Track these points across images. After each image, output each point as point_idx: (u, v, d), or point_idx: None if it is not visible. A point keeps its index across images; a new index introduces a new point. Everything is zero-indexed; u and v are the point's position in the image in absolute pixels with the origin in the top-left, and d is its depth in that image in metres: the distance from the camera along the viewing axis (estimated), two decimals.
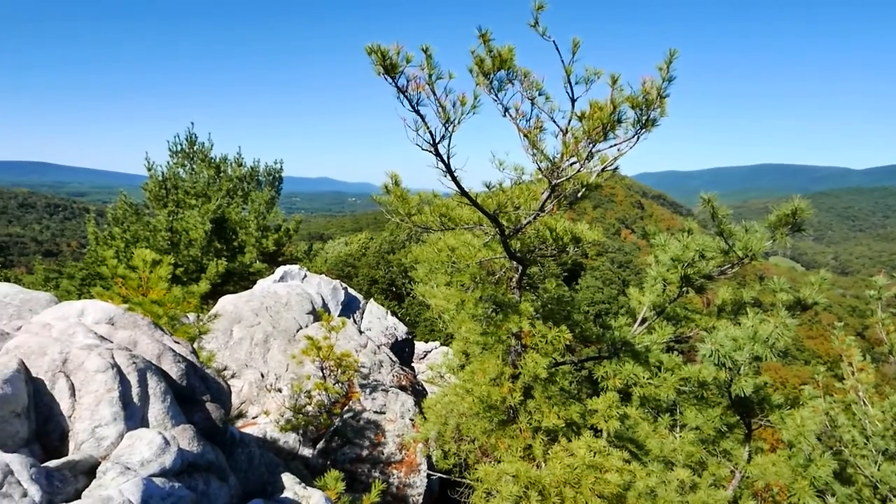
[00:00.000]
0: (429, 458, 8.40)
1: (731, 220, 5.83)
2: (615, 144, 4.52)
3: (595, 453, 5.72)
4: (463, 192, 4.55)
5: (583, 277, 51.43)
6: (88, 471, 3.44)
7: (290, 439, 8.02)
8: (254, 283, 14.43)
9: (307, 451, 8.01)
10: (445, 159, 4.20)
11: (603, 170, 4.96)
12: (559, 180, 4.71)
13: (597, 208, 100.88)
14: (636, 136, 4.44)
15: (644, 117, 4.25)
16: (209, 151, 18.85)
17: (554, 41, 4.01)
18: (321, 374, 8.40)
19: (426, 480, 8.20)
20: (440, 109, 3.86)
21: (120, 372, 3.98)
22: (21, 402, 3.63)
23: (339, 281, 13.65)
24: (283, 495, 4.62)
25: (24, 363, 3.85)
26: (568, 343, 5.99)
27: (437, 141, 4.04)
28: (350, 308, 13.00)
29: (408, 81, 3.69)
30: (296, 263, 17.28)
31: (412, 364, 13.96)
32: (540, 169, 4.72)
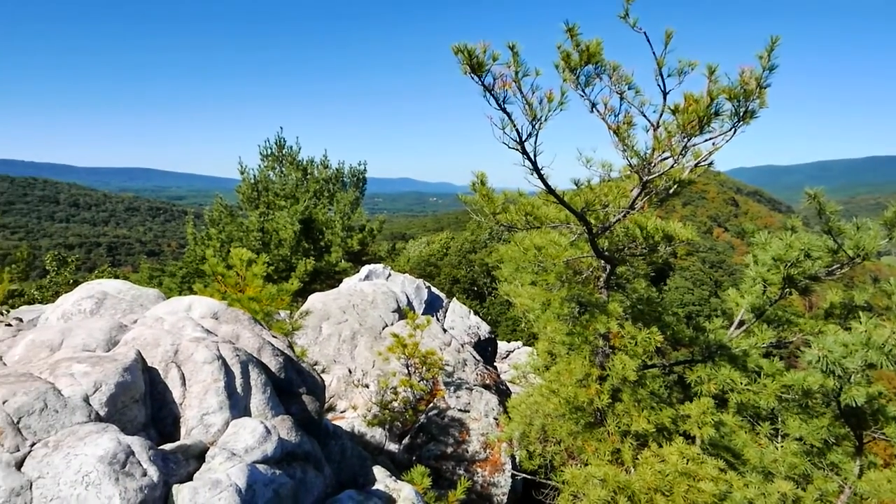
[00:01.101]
0: (513, 457, 8.36)
1: (839, 217, 5.45)
2: (710, 138, 4.33)
3: (688, 460, 5.50)
4: (549, 190, 4.49)
5: (671, 278, 49.67)
6: (198, 455, 3.67)
7: (376, 434, 8.20)
8: (339, 281, 14.84)
9: (393, 447, 8.16)
10: (532, 157, 4.16)
11: (696, 165, 4.76)
12: (650, 177, 4.56)
13: (687, 206, 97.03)
14: (733, 130, 4.24)
15: (742, 109, 4.05)
16: (297, 154, 19.58)
17: (645, 32, 3.89)
18: (406, 371, 8.54)
19: (510, 480, 8.16)
20: (527, 107, 3.83)
21: (225, 364, 4.22)
22: (139, 389, 3.91)
23: (422, 280, 13.82)
24: (374, 487, 4.73)
25: (140, 354, 4.15)
26: (658, 345, 5.80)
27: (523, 139, 4.01)
28: (433, 307, 13.14)
29: (494, 79, 3.68)
30: (379, 262, 17.65)
31: (494, 363, 13.95)
32: (630, 165, 4.59)
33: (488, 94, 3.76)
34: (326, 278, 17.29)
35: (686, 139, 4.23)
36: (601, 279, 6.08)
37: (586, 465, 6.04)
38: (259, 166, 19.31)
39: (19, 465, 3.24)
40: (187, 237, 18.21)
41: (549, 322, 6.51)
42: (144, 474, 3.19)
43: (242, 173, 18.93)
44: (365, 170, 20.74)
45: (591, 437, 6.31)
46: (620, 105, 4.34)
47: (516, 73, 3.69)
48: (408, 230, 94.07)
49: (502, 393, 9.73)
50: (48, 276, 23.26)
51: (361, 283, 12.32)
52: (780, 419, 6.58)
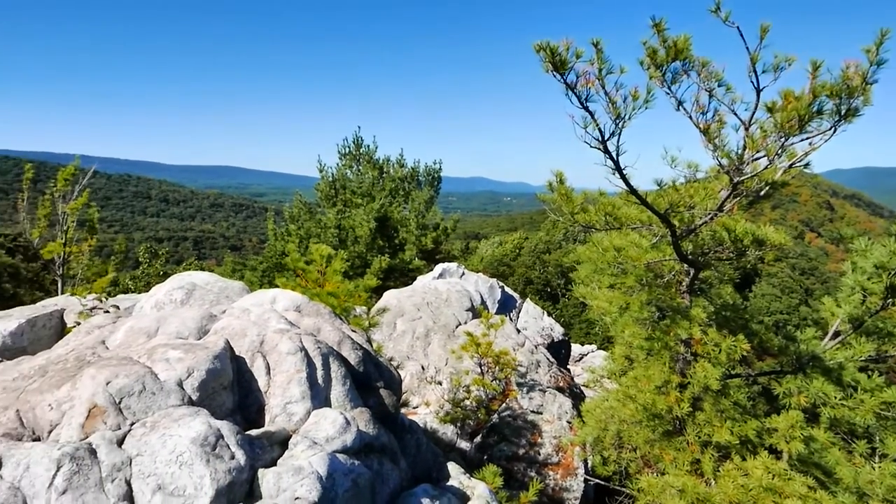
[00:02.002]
0: (585, 462, 8.22)
1: None
2: (808, 138, 4.10)
3: (774, 476, 5.23)
4: (632, 191, 4.38)
5: (757, 284, 47.40)
6: (282, 442, 3.82)
7: (448, 431, 8.25)
8: (413, 279, 15.02)
9: (464, 445, 8.19)
10: (614, 156, 4.07)
11: (791, 166, 4.52)
12: (741, 178, 4.36)
13: (776, 209, 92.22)
14: (832, 129, 4.00)
15: (844, 107, 3.81)
16: (374, 153, 19.94)
17: (738, 27, 3.72)
18: (479, 370, 8.54)
19: (583, 485, 8.03)
20: (610, 105, 3.75)
21: (307, 355, 4.37)
22: (227, 376, 4.11)
23: (495, 279, 13.79)
24: (448, 483, 4.77)
25: (229, 343, 4.35)
26: (743, 354, 5.56)
27: (606, 138, 3.93)
28: (506, 307, 13.07)
29: (577, 77, 3.63)
30: (453, 261, 17.74)
31: (568, 366, 13.75)
32: (720, 165, 4.41)
33: (570, 93, 3.70)
34: (400, 276, 17.54)
35: (783, 139, 4.02)
36: (683, 283, 5.88)
37: (663, 474, 5.86)
38: (337, 165, 19.79)
39: (120, 442, 3.46)
40: (268, 233, 18.89)
41: (626, 326, 6.35)
42: (233, 457, 3.34)
43: (321, 171, 19.46)
44: (440, 169, 20.89)
45: (668, 446, 6.12)
46: (710, 103, 4.18)
47: (600, 70, 3.62)
48: (481, 230, 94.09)
49: (576, 396, 9.58)
50: (140, 268, 24.81)
51: (435, 281, 12.42)
52: (877, 438, 6.16)
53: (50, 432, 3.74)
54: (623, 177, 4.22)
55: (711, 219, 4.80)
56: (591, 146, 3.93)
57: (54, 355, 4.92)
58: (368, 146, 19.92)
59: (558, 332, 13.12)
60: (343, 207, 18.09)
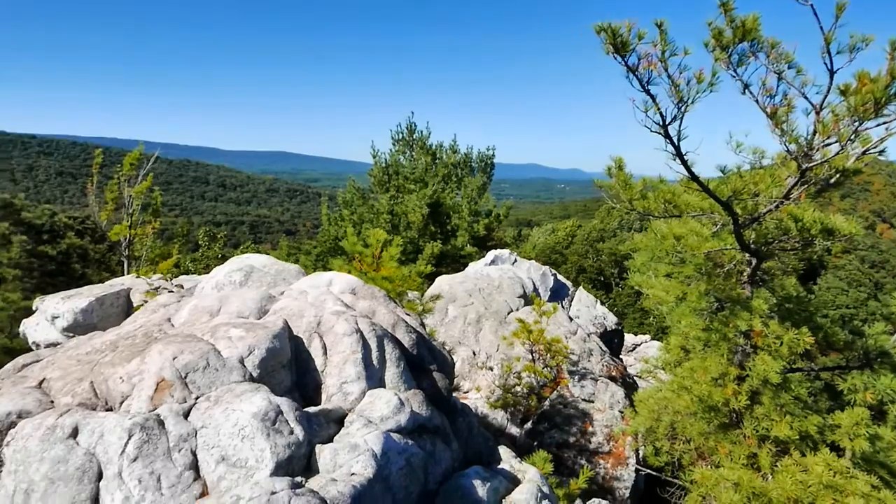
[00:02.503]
0: (637, 452, 8.13)
1: None
2: (884, 123, 3.90)
3: (835, 473, 5.06)
4: (693, 177, 4.27)
5: (823, 276, 45.46)
6: (338, 420, 3.93)
7: (498, 416, 8.29)
8: (464, 265, 15.04)
9: (514, 430, 8.21)
10: (675, 142, 3.97)
11: (864, 153, 4.32)
12: (811, 164, 4.19)
13: (846, 198, 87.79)
14: None
15: None
16: (427, 139, 19.93)
17: (812, 5, 3.56)
18: (531, 357, 8.53)
19: (634, 475, 7.94)
20: (673, 88, 3.66)
21: (362, 337, 4.46)
22: (286, 355, 4.24)
23: (548, 267, 13.68)
24: (499, 466, 4.81)
25: (287, 323, 4.48)
26: (806, 348, 5.37)
27: (667, 122, 3.84)
28: (559, 295, 12.97)
29: (639, 60, 3.55)
30: (505, 248, 17.67)
31: (620, 356, 13.57)
32: (788, 151, 4.25)
33: (631, 76, 3.63)
34: (452, 262, 17.59)
35: (856, 123, 3.83)
36: (744, 273, 5.71)
37: (718, 466, 5.75)
38: (390, 150, 19.88)
39: (186, 414, 3.63)
40: (321, 218, 19.18)
41: (683, 316, 6.22)
42: (291, 432, 3.46)
43: (374, 157, 19.59)
44: (493, 155, 20.75)
45: (724, 439, 5.99)
46: (778, 86, 4.01)
47: (663, 52, 3.53)
48: (534, 217, 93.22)
49: (629, 386, 9.46)
50: (200, 250, 25.70)
51: (487, 268, 12.42)
52: None
53: (121, 403, 3.94)
54: (684, 162, 4.12)
55: (777, 207, 4.63)
56: (651, 131, 3.85)
57: (124, 331, 5.17)
58: (422, 132, 19.92)
59: (611, 321, 12.95)
60: (396, 193, 18.20)
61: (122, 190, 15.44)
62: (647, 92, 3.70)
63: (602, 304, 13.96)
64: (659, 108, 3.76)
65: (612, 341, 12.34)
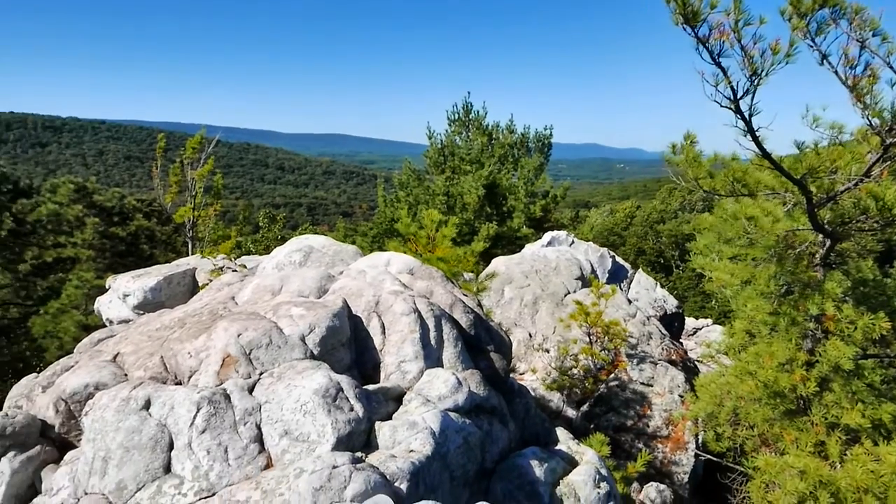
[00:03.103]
0: (696, 437, 7.97)
1: None
2: None
3: None
4: (764, 154, 4.09)
5: None
6: (396, 398, 4.00)
7: (554, 398, 8.25)
8: (520, 247, 14.93)
9: (571, 413, 8.17)
10: (747, 117, 3.81)
11: None
12: (895, 139, 3.94)
13: None
14: None
15: None
16: (483, 119, 19.75)
17: None
18: (588, 340, 8.43)
19: (693, 460, 7.80)
20: (746, 60, 3.49)
21: (420, 316, 4.50)
22: (345, 334, 4.33)
23: (606, 249, 13.45)
24: (556, 447, 4.80)
25: (346, 302, 4.56)
26: (882, 333, 5.11)
27: (738, 96, 3.67)
28: (617, 277, 12.75)
29: (710, 30, 3.39)
30: (562, 230, 17.45)
31: (680, 340, 13.26)
32: (870, 126, 4.01)
33: (701, 48, 3.48)
34: (507, 243, 17.49)
35: None
36: (817, 255, 5.46)
37: (782, 454, 5.58)
38: (446, 131, 19.80)
39: (250, 389, 3.76)
40: (377, 200, 19.35)
41: (749, 299, 6.01)
42: (352, 409, 3.53)
43: (430, 138, 19.56)
44: (550, 135, 20.43)
45: (790, 426, 5.80)
46: (860, 55, 3.77)
47: (736, 21, 3.37)
48: (591, 198, 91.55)
49: (689, 370, 9.25)
50: (260, 232, 26.46)
51: (544, 249, 12.31)
52: None
53: (190, 377, 4.12)
54: (755, 139, 3.95)
55: (856, 185, 4.39)
56: (721, 106, 3.70)
57: (191, 308, 5.38)
58: (478, 112, 19.76)
59: (671, 304, 12.66)
60: (451, 174, 18.17)
61: (185, 173, 16.01)
62: (718, 64, 3.54)
63: (662, 286, 13.64)
64: (730, 82, 3.60)
65: (671, 325, 12.08)
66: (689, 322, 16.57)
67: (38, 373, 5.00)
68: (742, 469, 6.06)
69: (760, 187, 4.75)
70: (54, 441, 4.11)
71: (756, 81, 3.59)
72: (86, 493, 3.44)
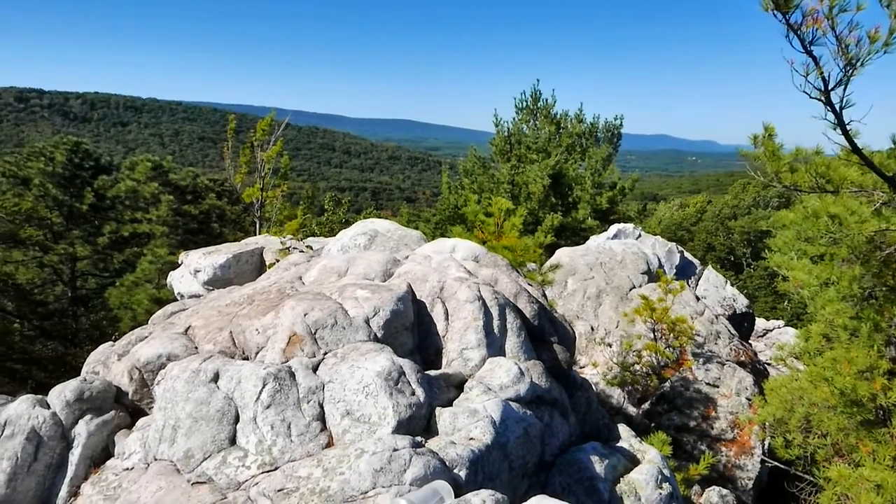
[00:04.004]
0: (763, 443, 7.69)
1: None
2: None
3: None
4: (854, 149, 3.87)
5: None
6: (457, 385, 4.01)
7: (615, 394, 8.12)
8: (584, 238, 14.69)
9: (631, 409, 8.02)
10: (837, 109, 3.60)
11: None
12: None
13: None
14: None
15: None
16: (552, 108, 19.44)
17: None
18: (652, 336, 8.24)
19: (759, 466, 7.53)
20: (840, 49, 3.29)
21: (484, 304, 4.50)
22: (409, 318, 4.37)
23: (674, 244, 13.07)
24: (617, 444, 4.72)
25: (411, 287, 4.60)
26: None
27: (830, 87, 3.47)
28: (685, 273, 12.38)
29: (803, 16, 3.21)
30: (629, 223, 17.04)
31: (750, 341, 12.78)
32: None
33: (792, 35, 3.29)
34: (572, 235, 17.24)
35: None
36: None
37: (858, 465, 5.31)
38: (513, 119, 19.60)
39: (315, 368, 3.85)
40: (441, 186, 19.37)
41: (829, 302, 5.73)
42: (413, 393, 3.57)
43: (497, 126, 19.41)
44: (621, 125, 19.95)
45: (867, 437, 5.52)
46: None
47: (831, 8, 3.17)
48: (660, 191, 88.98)
49: (758, 373, 8.91)
50: (325, 215, 27.06)
51: (610, 242, 12.08)
52: None
53: (256, 353, 4.24)
54: (845, 132, 3.73)
55: None
56: (810, 97, 3.50)
57: (259, 286, 5.54)
58: (546, 100, 19.45)
59: (741, 303, 12.21)
60: (517, 163, 17.99)
61: (254, 154, 16.51)
62: (810, 53, 3.35)
63: (731, 285, 13.17)
64: (822, 72, 3.40)
65: (741, 325, 11.65)
66: (760, 323, 15.93)
67: (114, 341, 5.22)
68: (812, 479, 5.82)
69: (846, 184, 4.49)
70: (127, 407, 4.31)
71: (850, 72, 3.38)
72: (155, 459, 3.60)
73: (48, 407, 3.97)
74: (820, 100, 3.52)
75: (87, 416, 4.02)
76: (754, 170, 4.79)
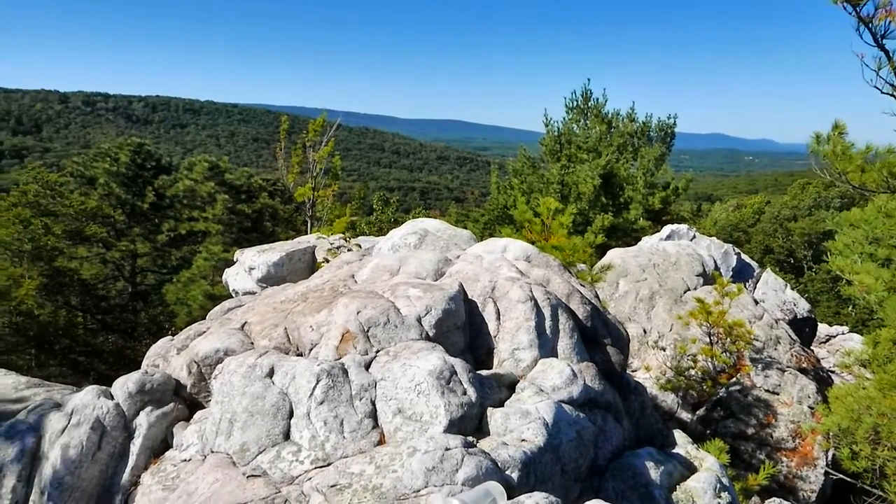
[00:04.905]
0: (827, 453, 7.36)
1: None
2: None
3: None
4: None
5: None
6: (509, 385, 3.98)
7: (668, 399, 7.92)
8: (636, 239, 14.40)
9: (685, 415, 7.81)
10: None
11: None
12: None
13: None
14: None
15: None
16: (603, 107, 19.15)
17: None
18: (708, 340, 7.99)
19: (822, 478, 7.21)
20: None
21: (536, 305, 4.45)
22: (460, 317, 4.36)
23: (731, 245, 12.69)
24: (673, 451, 4.60)
25: (462, 286, 4.59)
26: None
27: None
28: (742, 276, 12.00)
29: (875, 9, 3.06)
30: (682, 223, 16.63)
31: (811, 347, 12.29)
32: None
33: (863, 28, 3.14)
34: (623, 235, 16.94)
35: None
36: None
37: None
38: (563, 118, 19.39)
39: (367, 366, 3.88)
40: (490, 186, 19.33)
41: None
42: (465, 393, 3.56)
43: (547, 125, 19.23)
44: (674, 124, 19.48)
45: None
46: None
47: None
48: (715, 191, 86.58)
49: (821, 380, 8.54)
50: (374, 214, 27.40)
51: (664, 243, 11.81)
52: None
53: (310, 350, 4.31)
54: None
55: None
56: (882, 92, 3.34)
57: (312, 284, 5.62)
58: (597, 99, 19.16)
59: (802, 307, 11.75)
60: (567, 163, 17.78)
61: (306, 154, 16.84)
62: (882, 47, 3.19)
63: (792, 288, 12.69)
64: (894, 66, 3.23)
65: (802, 330, 11.21)
66: (822, 328, 15.29)
67: (171, 336, 5.37)
68: (881, 493, 5.54)
69: None
70: (185, 400, 4.42)
71: None
72: (212, 452, 3.69)
73: (111, 398, 4.11)
74: (892, 95, 3.34)
75: (148, 408, 4.14)
76: (820, 168, 4.59)
